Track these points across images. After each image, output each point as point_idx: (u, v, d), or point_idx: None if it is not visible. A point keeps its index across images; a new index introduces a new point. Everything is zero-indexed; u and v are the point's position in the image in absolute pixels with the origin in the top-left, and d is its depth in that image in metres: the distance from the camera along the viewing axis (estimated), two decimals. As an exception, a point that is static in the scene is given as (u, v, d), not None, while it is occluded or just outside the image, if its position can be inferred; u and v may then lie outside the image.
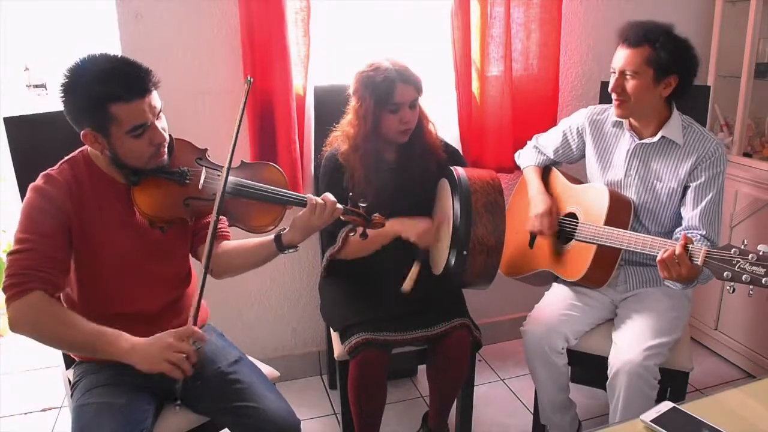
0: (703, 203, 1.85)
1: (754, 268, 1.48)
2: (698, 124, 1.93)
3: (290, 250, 1.62)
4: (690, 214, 1.87)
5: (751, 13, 2.51)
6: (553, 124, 2.33)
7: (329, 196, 1.59)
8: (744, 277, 1.49)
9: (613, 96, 1.88)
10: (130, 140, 1.42)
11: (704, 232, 1.83)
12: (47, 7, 2.60)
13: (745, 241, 1.53)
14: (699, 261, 1.57)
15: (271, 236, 1.63)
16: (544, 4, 2.46)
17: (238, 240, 1.70)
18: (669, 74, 1.82)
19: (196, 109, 2.24)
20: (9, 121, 1.75)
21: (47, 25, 2.60)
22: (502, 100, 2.48)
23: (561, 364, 1.95)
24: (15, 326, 1.38)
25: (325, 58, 2.31)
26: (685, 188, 1.89)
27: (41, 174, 1.49)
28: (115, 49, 2.10)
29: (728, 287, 1.55)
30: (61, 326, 1.38)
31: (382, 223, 1.68)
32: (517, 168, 2.33)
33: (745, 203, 2.53)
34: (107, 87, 1.38)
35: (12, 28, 2.63)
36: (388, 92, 1.83)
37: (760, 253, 1.47)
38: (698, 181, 1.86)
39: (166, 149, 1.50)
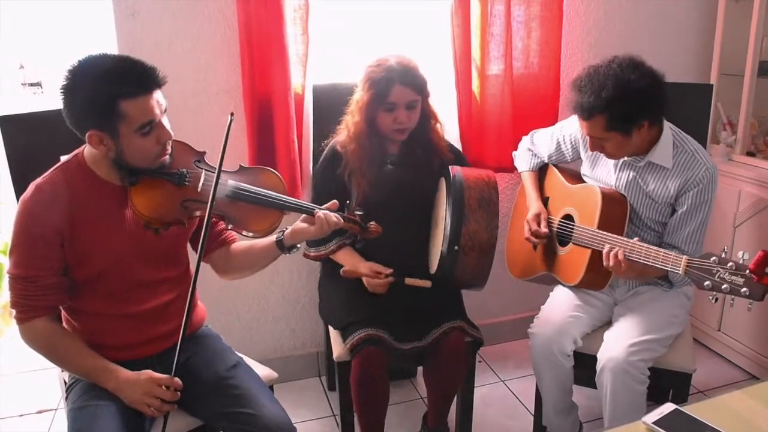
0: (686, 231, 1.83)
1: (734, 277, 1.43)
2: (692, 142, 1.85)
3: (293, 251, 1.66)
4: (671, 233, 1.86)
5: (754, 11, 2.50)
6: (554, 123, 2.31)
7: (331, 215, 1.60)
8: (724, 286, 1.45)
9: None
10: (138, 139, 1.41)
11: (684, 250, 1.83)
12: (42, 4, 2.59)
13: (726, 248, 1.49)
14: (680, 270, 1.54)
15: (272, 238, 1.64)
16: (544, 2, 2.44)
17: (246, 242, 1.71)
18: (635, 123, 1.72)
19: (193, 108, 2.22)
20: (4, 120, 1.74)
21: (42, 23, 2.59)
22: (502, 98, 2.47)
23: (568, 366, 1.94)
24: (26, 343, 1.51)
25: (324, 57, 2.29)
26: (672, 205, 1.87)
27: (32, 184, 1.46)
28: (111, 47, 2.08)
29: (710, 297, 1.51)
30: (57, 359, 1.52)
31: (378, 231, 1.70)
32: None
33: (749, 203, 2.52)
34: (116, 84, 1.35)
35: (7, 25, 2.62)
36: (384, 90, 1.85)
37: (739, 262, 1.43)
38: (683, 209, 1.83)
39: (170, 148, 1.49)
